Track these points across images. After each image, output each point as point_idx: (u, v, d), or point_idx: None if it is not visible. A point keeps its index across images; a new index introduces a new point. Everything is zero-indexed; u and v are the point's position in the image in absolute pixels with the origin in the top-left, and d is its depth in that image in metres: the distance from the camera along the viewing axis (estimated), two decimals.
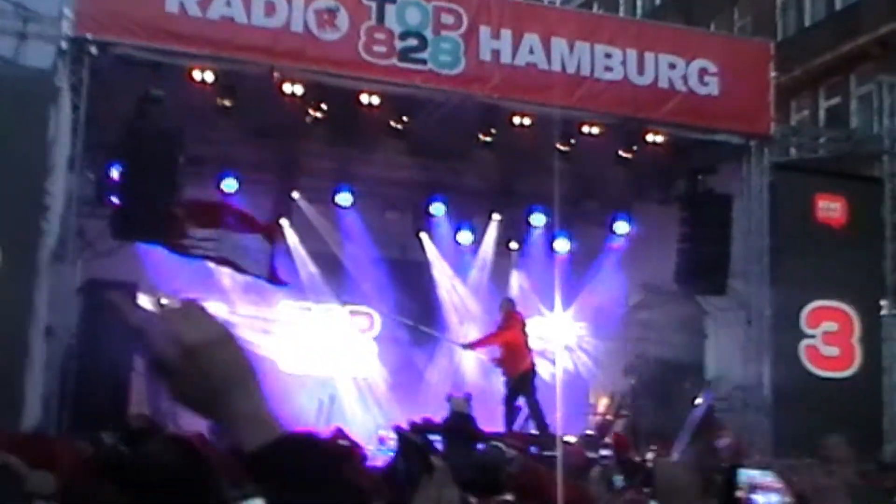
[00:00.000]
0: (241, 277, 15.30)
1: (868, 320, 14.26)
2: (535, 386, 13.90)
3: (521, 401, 13.99)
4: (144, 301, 14.21)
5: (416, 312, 16.45)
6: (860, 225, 14.52)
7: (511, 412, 14.04)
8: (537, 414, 13.69)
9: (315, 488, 1.41)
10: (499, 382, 14.74)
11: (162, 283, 14.79)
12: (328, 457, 1.49)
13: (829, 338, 14.03)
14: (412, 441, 1.88)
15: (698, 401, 13.81)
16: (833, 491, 4.76)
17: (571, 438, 13.56)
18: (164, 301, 1.50)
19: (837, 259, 13.89)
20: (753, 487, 5.94)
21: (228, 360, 1.47)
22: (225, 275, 15.58)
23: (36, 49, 12.12)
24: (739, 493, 5.74)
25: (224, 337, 1.48)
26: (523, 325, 14.46)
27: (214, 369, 1.45)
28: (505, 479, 4.97)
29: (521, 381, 13.92)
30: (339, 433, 9.24)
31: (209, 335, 1.47)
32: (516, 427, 13.92)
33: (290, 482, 1.41)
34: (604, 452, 12.42)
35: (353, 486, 1.51)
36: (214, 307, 15.57)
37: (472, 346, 15.38)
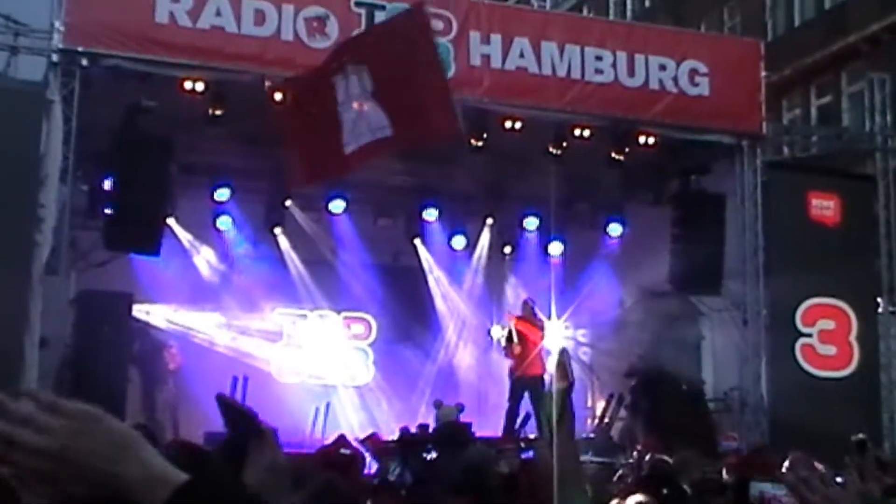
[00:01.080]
0: (235, 284, 15.30)
1: (865, 318, 14.28)
2: (543, 388, 13.90)
3: (525, 403, 13.95)
4: (139, 313, 14.24)
5: (411, 318, 16.45)
6: (854, 223, 14.54)
7: (514, 412, 14.01)
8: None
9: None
10: (495, 390, 14.74)
11: (155, 293, 14.80)
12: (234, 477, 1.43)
13: (825, 336, 14.03)
14: (235, 407, 1.83)
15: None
16: None
17: None
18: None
19: (832, 257, 13.91)
20: (765, 501, 5.89)
21: (102, 443, 1.38)
22: (218, 283, 15.59)
23: (27, 62, 12.13)
24: None
25: (91, 423, 1.39)
26: (542, 328, 14.53)
27: (91, 459, 1.36)
28: (495, 479, 4.96)
29: (532, 383, 13.92)
30: (342, 440, 9.20)
31: (75, 429, 1.37)
32: (516, 429, 13.92)
33: None
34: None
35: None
36: (207, 315, 15.72)
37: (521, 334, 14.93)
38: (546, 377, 14.09)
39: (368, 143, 8.84)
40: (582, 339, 16.92)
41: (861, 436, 8.94)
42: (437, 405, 14.51)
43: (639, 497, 4.33)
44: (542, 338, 14.43)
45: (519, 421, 13.82)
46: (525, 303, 15.11)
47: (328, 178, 10.44)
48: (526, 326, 14.59)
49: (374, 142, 8.88)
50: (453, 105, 9.36)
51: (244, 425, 2.05)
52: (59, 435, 1.35)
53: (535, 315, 14.71)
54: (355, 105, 9.01)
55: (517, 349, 14.55)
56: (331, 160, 9.35)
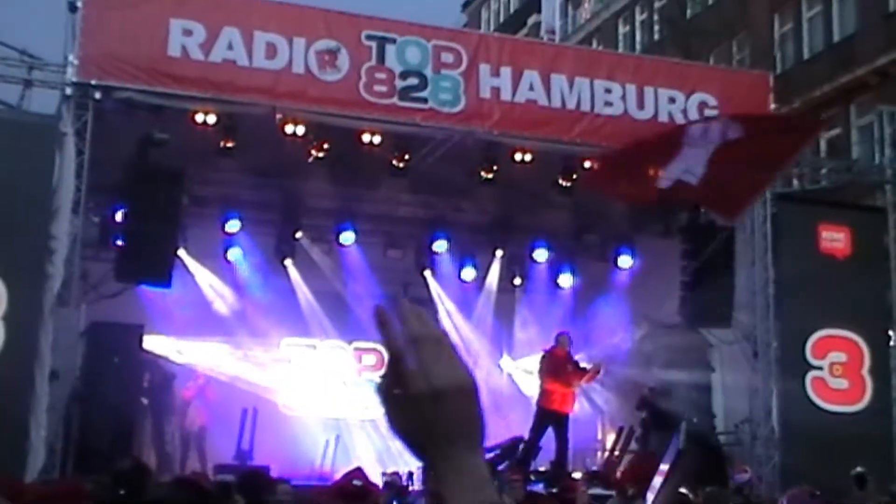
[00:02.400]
0: (246, 315, 15.32)
1: (877, 351, 14.20)
2: (568, 426, 13.89)
3: (547, 436, 13.82)
4: (150, 344, 14.25)
5: None
6: (864, 254, 14.50)
7: (535, 442, 13.87)
8: (562, 452, 13.63)
9: None
10: (503, 422, 14.64)
11: (165, 325, 14.83)
12: None
13: (837, 369, 13.94)
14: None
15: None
16: None
17: (577, 475, 13.48)
18: (415, 314, 1.43)
19: (842, 289, 13.86)
20: None
21: (465, 412, 1.39)
22: (229, 315, 15.60)
23: (41, 95, 12.25)
24: None
25: (469, 387, 1.40)
26: (578, 367, 14.36)
27: (450, 416, 1.38)
28: None
29: (559, 418, 13.83)
30: (359, 473, 9.17)
31: (458, 381, 1.39)
32: (533, 459, 13.83)
33: None
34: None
35: None
36: (217, 346, 15.73)
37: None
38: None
39: (677, 179, 8.94)
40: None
41: (860, 469, 8.85)
42: None
43: None
44: (575, 375, 14.26)
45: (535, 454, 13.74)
46: (560, 336, 14.62)
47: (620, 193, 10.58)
48: (560, 361, 14.17)
49: (679, 181, 8.95)
50: (755, 201, 9.63)
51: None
52: (451, 377, 1.39)
53: (570, 350, 14.41)
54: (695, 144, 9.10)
55: (549, 382, 14.10)
56: (639, 181, 9.40)
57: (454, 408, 1.38)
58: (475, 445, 1.39)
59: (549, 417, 13.91)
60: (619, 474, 13.78)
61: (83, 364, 12.09)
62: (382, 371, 1.42)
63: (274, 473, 11.35)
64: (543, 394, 14.10)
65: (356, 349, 16.71)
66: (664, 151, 8.86)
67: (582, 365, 14.44)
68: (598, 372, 14.37)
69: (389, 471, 12.88)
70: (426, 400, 1.37)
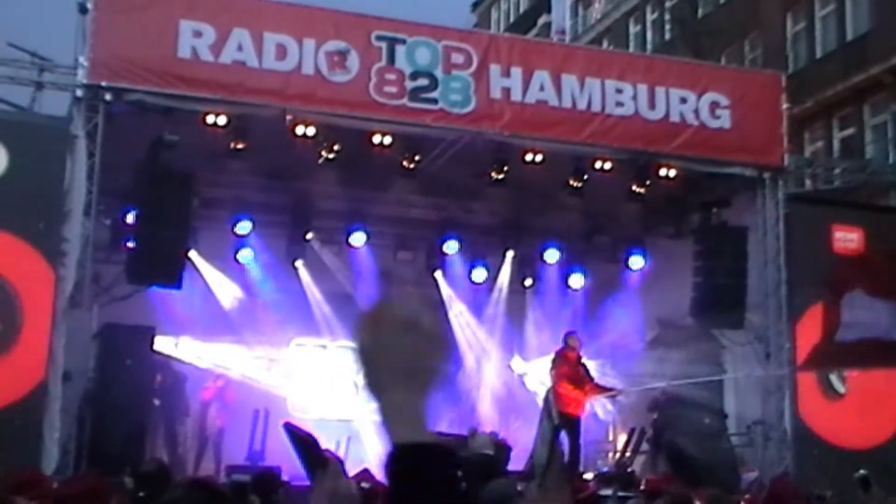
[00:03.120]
0: (257, 316, 15.34)
1: None
2: (580, 429, 13.84)
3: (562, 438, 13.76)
4: (162, 345, 14.28)
5: None
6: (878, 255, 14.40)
7: (561, 449, 13.83)
8: (576, 455, 13.58)
9: None
10: (515, 424, 14.60)
11: (177, 327, 14.85)
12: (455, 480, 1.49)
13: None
14: (302, 437, 1.88)
15: None
16: None
17: (589, 475, 13.44)
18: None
19: None
20: None
21: (419, 353, 1.52)
22: (239, 316, 15.62)
23: (52, 97, 12.28)
24: None
25: (433, 332, 1.55)
26: (588, 373, 14.33)
27: (404, 351, 1.51)
28: None
29: (572, 421, 13.75)
30: (366, 474, 9.17)
31: (427, 323, 1.55)
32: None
33: (405, 493, 1.44)
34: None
35: None
36: (228, 347, 15.76)
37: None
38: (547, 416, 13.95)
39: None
40: (603, 372, 16.79)
41: (863, 472, 8.82)
42: (472, 434, 14.25)
43: None
44: (593, 388, 14.20)
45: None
46: (570, 336, 14.50)
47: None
48: (573, 363, 14.07)
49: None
50: None
51: (309, 455, 2.10)
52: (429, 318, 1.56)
53: (580, 351, 14.32)
54: None
55: (563, 385, 13.97)
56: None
57: (410, 344, 1.50)
58: (420, 389, 1.50)
59: (563, 420, 13.86)
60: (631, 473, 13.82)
61: (95, 366, 12.11)
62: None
63: (284, 475, 11.36)
64: (557, 397, 14.03)
65: None
66: None
67: (595, 377, 14.40)
68: (615, 396, 14.34)
69: None
70: (390, 326, 1.51)
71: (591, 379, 14.34)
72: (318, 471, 2.05)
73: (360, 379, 1.52)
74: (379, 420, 1.48)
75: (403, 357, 1.51)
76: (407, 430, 1.47)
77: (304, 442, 2.15)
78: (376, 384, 1.51)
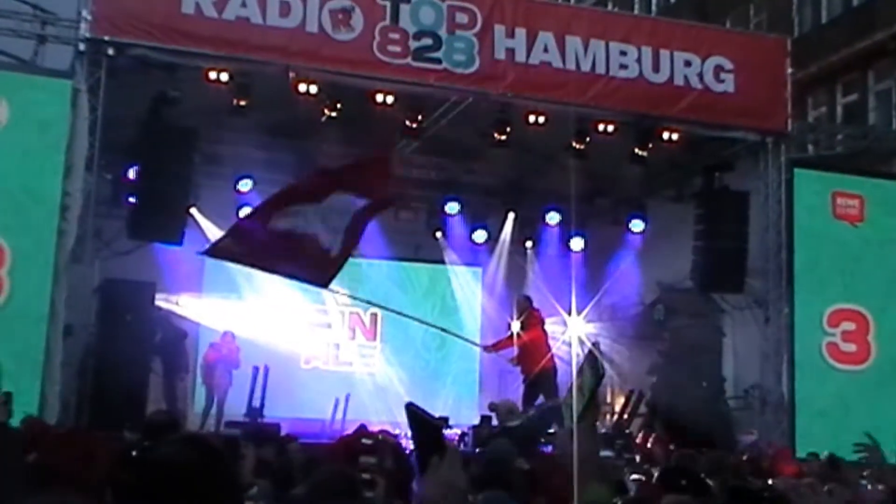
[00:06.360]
0: (257, 273, 15.35)
1: (884, 317, 14.18)
2: (556, 385, 13.52)
3: (540, 401, 13.79)
4: (162, 302, 14.32)
5: (432, 312, 16.47)
6: (877, 222, 14.44)
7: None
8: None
9: None
10: (514, 384, 14.66)
11: (178, 283, 14.90)
12: None
13: (847, 335, 14.01)
14: (425, 419, 1.86)
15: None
16: None
17: None
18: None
19: (855, 255, 13.84)
20: None
21: None
22: (240, 273, 15.64)
23: (54, 51, 12.22)
24: None
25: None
26: (542, 322, 14.28)
27: None
28: (513, 473, 4.96)
29: (542, 379, 13.70)
30: (363, 430, 9.25)
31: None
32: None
33: None
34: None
35: None
36: (230, 304, 15.81)
37: (492, 347, 14.87)
38: (574, 368, 13.95)
39: (347, 227, 7.87)
40: (602, 334, 16.86)
41: (826, 453, 8.97)
42: (493, 407, 13.93)
43: (672, 497, 4.31)
44: (542, 331, 14.09)
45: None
46: (522, 299, 14.62)
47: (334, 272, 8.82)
48: (525, 335, 14.00)
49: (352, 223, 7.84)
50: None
51: (428, 440, 2.09)
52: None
53: (534, 310, 14.27)
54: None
55: (522, 352, 13.96)
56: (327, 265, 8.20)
57: None
58: None
59: (532, 379, 13.76)
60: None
61: (97, 320, 12.17)
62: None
63: (284, 431, 11.46)
64: (521, 360, 13.96)
65: (367, 311, 16.76)
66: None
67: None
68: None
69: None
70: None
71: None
72: (434, 458, 2.05)
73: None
74: None
75: None
76: None
77: (426, 426, 2.15)
78: None
